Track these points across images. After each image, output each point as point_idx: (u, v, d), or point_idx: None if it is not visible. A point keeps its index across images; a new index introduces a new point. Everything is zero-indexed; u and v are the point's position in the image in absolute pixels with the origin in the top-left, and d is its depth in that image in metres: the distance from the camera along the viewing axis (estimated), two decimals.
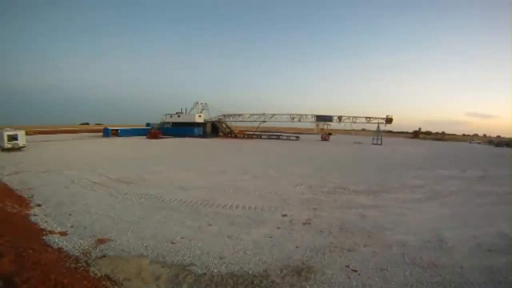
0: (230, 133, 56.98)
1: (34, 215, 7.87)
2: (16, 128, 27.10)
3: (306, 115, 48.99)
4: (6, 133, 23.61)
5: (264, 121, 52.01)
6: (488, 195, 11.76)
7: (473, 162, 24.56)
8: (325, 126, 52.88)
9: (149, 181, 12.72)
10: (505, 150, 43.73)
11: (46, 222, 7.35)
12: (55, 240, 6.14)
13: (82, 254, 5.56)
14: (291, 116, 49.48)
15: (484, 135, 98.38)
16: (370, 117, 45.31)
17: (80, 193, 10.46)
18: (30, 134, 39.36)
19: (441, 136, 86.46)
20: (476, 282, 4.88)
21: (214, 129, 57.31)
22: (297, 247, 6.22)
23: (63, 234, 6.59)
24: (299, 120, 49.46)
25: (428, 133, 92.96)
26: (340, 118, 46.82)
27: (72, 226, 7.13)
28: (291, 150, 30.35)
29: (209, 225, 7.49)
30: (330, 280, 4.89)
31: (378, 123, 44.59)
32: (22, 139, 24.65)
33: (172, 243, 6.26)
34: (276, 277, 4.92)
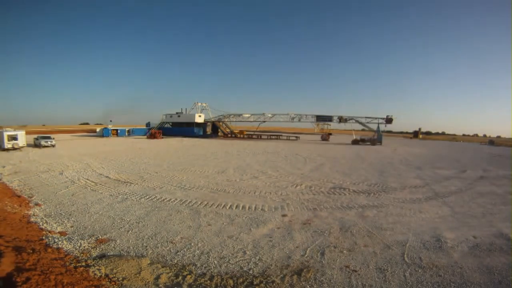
0: (230, 133, 57.01)
1: (34, 215, 7.87)
2: (16, 128, 27.23)
3: (306, 115, 49.01)
4: (6, 133, 23.65)
5: (264, 121, 52.00)
6: (488, 195, 11.77)
7: (473, 162, 24.55)
8: (325, 126, 52.89)
9: (149, 181, 12.72)
10: (505, 150, 43.69)
11: (46, 222, 7.36)
12: (55, 240, 6.13)
13: (82, 254, 5.56)
14: (291, 116, 49.48)
15: (484, 135, 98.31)
16: (370, 117, 45.35)
17: (80, 193, 10.46)
18: (31, 134, 39.41)
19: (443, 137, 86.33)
20: (476, 282, 4.88)
21: (214, 129, 57.37)
22: (297, 247, 6.22)
23: (63, 234, 6.59)
24: (299, 120, 49.46)
25: (428, 133, 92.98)
26: (340, 118, 46.82)
27: (72, 226, 7.13)
28: (291, 150, 30.33)
29: (209, 225, 7.49)
30: (330, 280, 4.89)
31: (378, 123, 44.57)
32: (22, 139, 24.69)
33: (172, 243, 6.27)
34: (276, 277, 4.92)
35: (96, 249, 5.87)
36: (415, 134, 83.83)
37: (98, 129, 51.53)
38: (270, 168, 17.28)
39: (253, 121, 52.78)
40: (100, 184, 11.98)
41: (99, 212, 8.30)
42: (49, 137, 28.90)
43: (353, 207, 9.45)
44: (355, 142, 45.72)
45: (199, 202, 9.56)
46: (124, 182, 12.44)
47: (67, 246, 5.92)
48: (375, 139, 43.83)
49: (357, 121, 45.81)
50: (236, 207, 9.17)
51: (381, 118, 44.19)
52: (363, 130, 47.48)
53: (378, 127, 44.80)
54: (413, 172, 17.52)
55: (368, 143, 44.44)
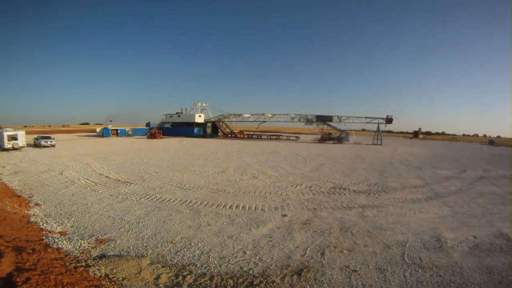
0: (230, 133, 57.01)
1: (34, 215, 7.87)
2: (16, 128, 27.29)
3: (306, 115, 49.01)
4: (6, 133, 23.67)
5: (264, 121, 51.97)
6: (488, 195, 11.76)
7: (473, 162, 24.55)
8: (325, 126, 52.87)
9: (149, 181, 12.72)
10: (505, 150, 43.68)
11: (46, 222, 7.36)
12: (55, 240, 6.14)
13: (82, 254, 5.56)
14: (291, 116, 49.46)
15: (484, 135, 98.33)
16: (370, 117, 45.34)
17: (80, 193, 10.46)
18: (31, 134, 39.41)
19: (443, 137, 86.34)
20: (476, 282, 4.88)
21: (214, 129, 57.35)
22: (297, 247, 6.22)
23: (63, 234, 6.59)
24: (299, 120, 49.45)
25: (428, 133, 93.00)
26: (340, 118, 46.80)
27: (72, 226, 7.13)
28: (291, 150, 30.33)
29: (209, 225, 7.49)
30: (330, 280, 4.89)
31: (378, 123, 44.57)
32: (22, 139, 24.70)
33: (172, 243, 6.27)
34: (276, 277, 4.92)
35: (96, 249, 5.87)
36: (415, 134, 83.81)
37: (98, 129, 51.47)
38: (270, 168, 17.28)
39: (253, 121, 52.76)
40: (100, 184, 11.98)
41: (99, 212, 8.30)
42: (49, 137, 28.92)
43: (353, 207, 9.45)
44: (322, 140, 47.76)
45: (199, 202, 9.56)
46: (124, 182, 12.44)
47: (67, 246, 5.92)
48: (342, 137, 46.99)
49: (327, 124, 47.72)
50: (236, 207, 9.17)
51: (381, 118, 44.22)
52: (363, 130, 47.46)
53: (378, 127, 44.85)
54: (413, 172, 17.52)
55: (335, 141, 46.91)
